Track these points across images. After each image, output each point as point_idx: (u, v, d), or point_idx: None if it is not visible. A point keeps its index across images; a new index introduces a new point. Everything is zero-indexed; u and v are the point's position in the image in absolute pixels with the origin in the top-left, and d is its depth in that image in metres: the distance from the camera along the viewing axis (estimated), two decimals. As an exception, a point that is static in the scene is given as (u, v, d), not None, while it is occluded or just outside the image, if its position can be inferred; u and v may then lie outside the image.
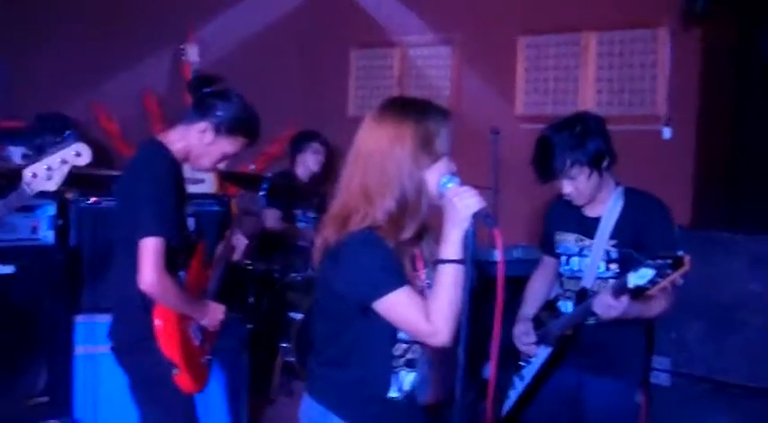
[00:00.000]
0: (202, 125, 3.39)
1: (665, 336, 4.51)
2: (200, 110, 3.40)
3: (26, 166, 3.15)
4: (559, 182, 3.36)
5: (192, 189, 6.11)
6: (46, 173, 3.10)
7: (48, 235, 4.34)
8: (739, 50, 5.04)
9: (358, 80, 7.55)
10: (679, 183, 5.38)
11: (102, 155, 6.05)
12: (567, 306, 3.55)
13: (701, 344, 4.43)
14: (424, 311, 2.41)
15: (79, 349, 4.40)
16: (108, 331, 3.49)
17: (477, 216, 2.36)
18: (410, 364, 2.57)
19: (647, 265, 2.99)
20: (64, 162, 3.13)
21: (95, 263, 4.38)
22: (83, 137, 5.96)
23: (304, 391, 2.66)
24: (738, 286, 4.31)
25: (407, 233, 2.47)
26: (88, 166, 5.11)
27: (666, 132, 5.61)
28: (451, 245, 2.40)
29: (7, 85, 6.83)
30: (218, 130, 3.41)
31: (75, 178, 4.99)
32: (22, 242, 4.25)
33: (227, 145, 3.46)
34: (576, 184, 3.34)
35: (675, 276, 2.95)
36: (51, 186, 3.14)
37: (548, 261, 3.74)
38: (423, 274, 2.57)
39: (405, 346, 2.54)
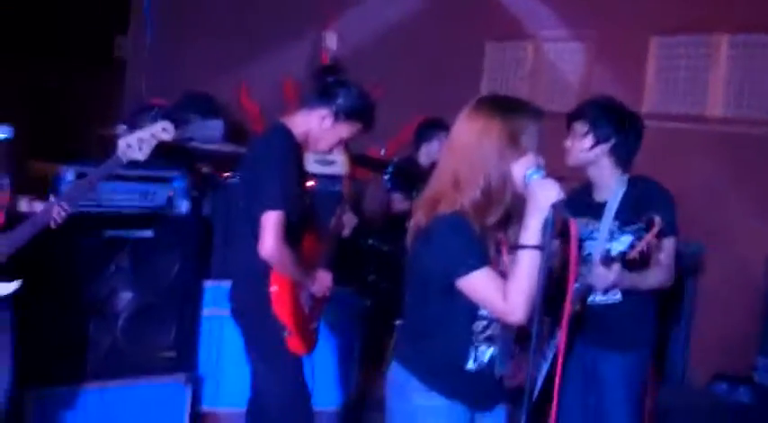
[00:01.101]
0: (323, 111, 3.65)
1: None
2: (322, 97, 3.66)
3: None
4: (569, 135, 3.69)
5: (323, 170, 6.51)
6: (137, 144, 3.54)
7: (183, 205, 4.58)
8: None
9: (491, 72, 7.68)
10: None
11: (241, 134, 6.42)
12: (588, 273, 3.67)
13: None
14: (503, 291, 2.59)
15: (206, 311, 4.69)
16: (228, 294, 3.81)
17: (555, 206, 2.52)
18: (490, 340, 2.74)
19: (624, 232, 3.35)
20: (152, 136, 3.57)
21: (225, 233, 4.67)
22: (225, 116, 6.40)
23: (392, 356, 2.89)
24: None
25: (491, 219, 2.65)
26: (223, 143, 5.50)
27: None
28: (531, 231, 2.56)
29: (158, 63, 7.27)
30: (336, 117, 3.66)
31: (214, 154, 5.38)
32: (159, 209, 4.50)
33: (344, 130, 3.71)
34: (574, 143, 3.66)
35: (649, 237, 3.26)
36: (141, 156, 3.56)
37: None
38: (506, 258, 2.74)
39: (485, 322, 2.72)
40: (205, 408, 4.78)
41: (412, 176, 5.98)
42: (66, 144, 3.84)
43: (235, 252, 3.86)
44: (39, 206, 3.63)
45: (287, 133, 3.65)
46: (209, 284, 4.73)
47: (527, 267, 2.56)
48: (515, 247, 2.62)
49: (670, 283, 3.64)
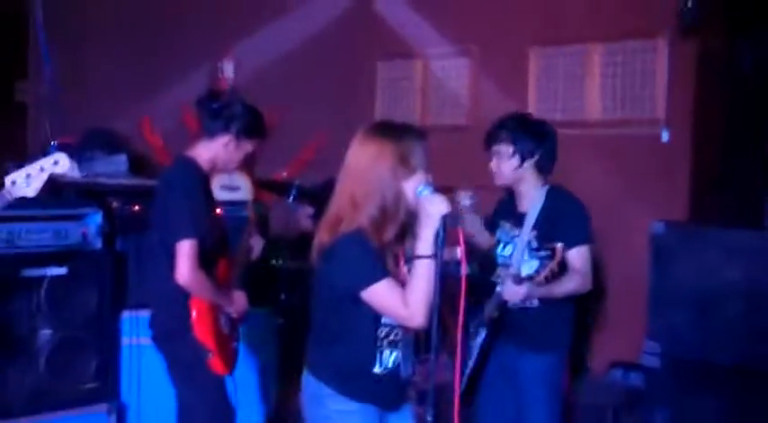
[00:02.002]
0: (225, 138, 3.86)
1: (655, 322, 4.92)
2: (218, 124, 3.86)
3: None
4: (492, 157, 3.91)
5: (228, 196, 6.70)
6: (25, 180, 3.28)
7: (96, 240, 4.75)
8: (729, 58, 5.39)
9: (384, 90, 7.99)
10: (676, 181, 5.75)
11: (145, 166, 6.55)
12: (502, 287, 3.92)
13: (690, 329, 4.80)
14: (403, 299, 2.86)
15: (125, 340, 4.85)
16: (148, 322, 3.99)
17: (444, 218, 2.81)
18: (392, 345, 3.00)
19: (532, 257, 3.66)
20: (42, 170, 3.31)
21: (138, 265, 4.83)
22: (128, 150, 6.53)
23: (304, 367, 3.13)
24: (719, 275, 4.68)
25: (388, 235, 2.92)
26: (128, 176, 5.60)
27: (665, 135, 5.96)
28: (425, 242, 2.84)
29: (59, 103, 7.35)
30: (238, 138, 3.88)
31: (120, 188, 5.51)
32: (73, 247, 4.67)
33: (248, 147, 3.94)
34: (499, 164, 3.89)
35: (552, 265, 3.59)
36: (30, 193, 3.31)
37: None
38: (404, 269, 3.02)
39: (387, 329, 2.98)
40: (130, 435, 4.93)
41: (315, 197, 6.20)
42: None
43: (151, 282, 4.01)
44: None
45: (192, 164, 3.85)
46: (126, 315, 4.89)
47: (423, 275, 2.84)
48: (412, 258, 2.89)
49: (587, 288, 3.87)
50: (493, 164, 3.92)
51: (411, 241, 2.97)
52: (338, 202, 2.97)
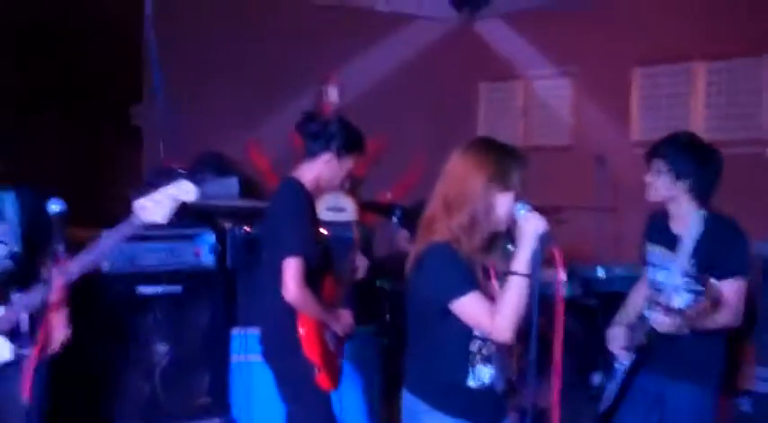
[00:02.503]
0: (326, 156, 4.00)
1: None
2: (319, 143, 4.00)
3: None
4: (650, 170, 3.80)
5: (334, 217, 6.85)
6: (154, 206, 3.28)
7: (208, 259, 4.95)
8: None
9: (486, 112, 8.06)
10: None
11: (255, 189, 6.77)
12: (649, 315, 3.78)
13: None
14: (490, 312, 2.92)
15: (235, 358, 4.99)
16: (258, 339, 4.13)
17: (541, 237, 2.87)
18: (486, 360, 3.06)
19: (688, 291, 3.49)
20: (171, 197, 3.31)
21: (249, 283, 5.01)
22: (239, 173, 6.76)
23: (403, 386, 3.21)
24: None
25: (474, 243, 2.97)
26: (239, 199, 5.78)
27: (770, 153, 5.88)
28: (520, 260, 2.90)
29: (172, 127, 7.65)
30: (339, 155, 4.01)
31: (232, 209, 5.71)
32: (187, 266, 4.88)
33: (349, 164, 4.06)
34: (654, 179, 3.76)
35: (706, 303, 3.41)
36: (159, 218, 3.29)
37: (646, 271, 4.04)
38: (495, 282, 3.09)
39: (479, 342, 3.04)
40: (240, 449, 5.09)
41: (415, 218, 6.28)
42: (93, 207, 4.10)
43: (261, 301, 4.15)
44: None
45: (298, 186, 3.99)
46: (236, 332, 5.03)
47: (515, 291, 2.90)
48: (506, 273, 2.96)
49: (737, 323, 3.70)
50: (648, 177, 3.82)
51: (500, 256, 3.06)
52: (433, 205, 3.06)
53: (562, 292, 2.88)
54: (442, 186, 3.06)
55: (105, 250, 3.54)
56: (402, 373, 3.20)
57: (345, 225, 5.49)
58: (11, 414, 3.65)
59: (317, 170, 4.02)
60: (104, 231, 3.48)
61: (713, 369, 3.87)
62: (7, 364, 3.57)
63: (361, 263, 4.44)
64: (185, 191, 3.37)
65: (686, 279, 3.74)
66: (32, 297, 3.47)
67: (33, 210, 3.53)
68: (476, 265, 3.03)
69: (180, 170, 6.31)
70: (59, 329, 3.71)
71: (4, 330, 3.55)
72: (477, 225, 2.98)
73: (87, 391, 4.20)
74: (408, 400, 3.14)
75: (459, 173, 3.02)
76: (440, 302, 2.98)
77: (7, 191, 3.55)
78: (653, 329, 3.66)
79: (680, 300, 3.51)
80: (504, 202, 2.97)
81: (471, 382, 3.05)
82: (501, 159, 3.00)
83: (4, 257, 3.62)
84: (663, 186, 3.78)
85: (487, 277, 3.10)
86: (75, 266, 3.42)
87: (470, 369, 3.05)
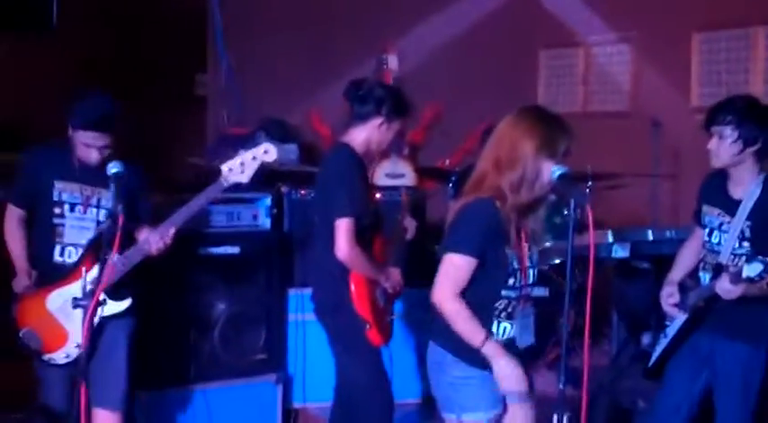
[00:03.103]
0: (376, 120, 4.11)
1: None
2: (369, 108, 4.11)
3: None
4: (711, 136, 3.77)
5: (393, 182, 6.98)
6: (239, 167, 3.78)
7: (266, 222, 5.07)
8: None
9: (546, 78, 8.07)
10: None
11: (314, 154, 6.91)
12: (705, 277, 3.90)
13: None
14: (456, 287, 3.09)
15: (291, 316, 5.18)
16: (311, 297, 4.28)
17: (576, 199, 3.00)
18: (509, 317, 3.20)
19: (759, 261, 3.46)
20: (254, 158, 3.80)
21: (304, 245, 5.14)
22: (299, 139, 6.90)
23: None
24: None
25: (522, 199, 3.11)
26: (299, 164, 5.93)
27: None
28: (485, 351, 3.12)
29: (237, 97, 7.84)
30: (389, 119, 4.13)
31: (290, 174, 5.86)
32: (245, 228, 5.00)
33: (397, 126, 4.20)
34: (720, 144, 3.75)
35: None
36: (244, 179, 3.80)
37: (698, 232, 4.07)
38: (525, 247, 3.21)
39: (506, 302, 3.19)
40: (295, 404, 5.26)
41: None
42: (159, 174, 4.27)
43: (314, 260, 4.31)
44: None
45: (349, 150, 4.12)
46: (292, 292, 5.22)
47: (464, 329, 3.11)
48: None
49: None
50: (712, 144, 3.78)
51: (534, 221, 3.23)
52: (483, 164, 3.21)
53: (592, 257, 2.99)
54: (494, 146, 3.20)
55: (196, 210, 3.92)
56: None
57: (396, 189, 5.61)
58: (108, 366, 3.97)
59: (366, 134, 4.14)
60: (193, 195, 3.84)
61: (763, 331, 3.88)
62: (106, 319, 3.85)
63: (410, 224, 4.55)
64: (267, 152, 3.82)
65: (743, 242, 3.78)
66: (131, 257, 3.82)
67: (129, 180, 3.75)
68: (511, 225, 3.14)
69: (240, 136, 6.51)
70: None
71: (105, 287, 3.80)
72: (524, 185, 3.11)
73: (148, 348, 4.35)
74: (435, 351, 3.30)
75: (512, 135, 3.15)
76: (444, 247, 3.15)
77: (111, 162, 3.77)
78: (714, 294, 3.70)
79: (750, 270, 3.48)
80: (549, 170, 3.11)
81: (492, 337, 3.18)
82: (550, 128, 3.16)
83: (105, 220, 3.87)
84: (727, 152, 3.77)
85: (520, 238, 3.22)
86: (169, 226, 3.82)
87: (495, 325, 3.19)
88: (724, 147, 3.76)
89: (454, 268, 3.12)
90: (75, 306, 3.69)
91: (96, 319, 3.70)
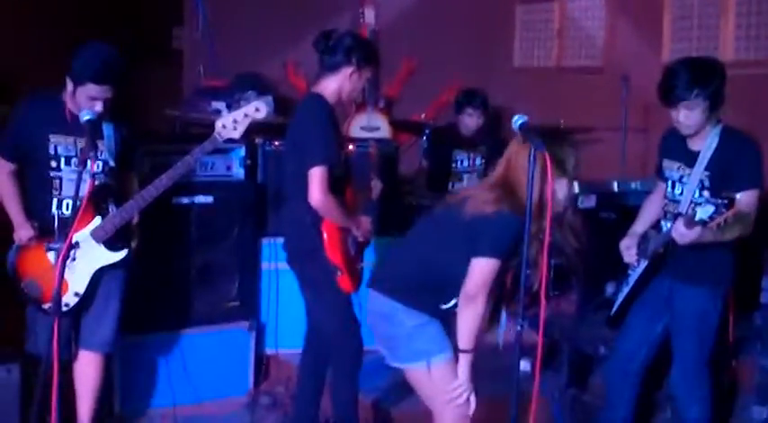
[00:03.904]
0: (347, 70, 4.16)
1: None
2: (338, 57, 4.15)
3: (218, 118, 4.06)
4: (677, 110, 3.81)
5: (368, 135, 7.02)
6: (233, 124, 3.99)
7: (239, 172, 5.16)
8: None
9: (522, 32, 8.11)
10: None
11: (289, 107, 6.95)
12: (666, 226, 4.03)
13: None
14: (485, 288, 3.34)
15: (264, 265, 5.28)
16: (283, 245, 4.36)
17: (534, 146, 3.11)
18: None
19: (710, 202, 3.60)
20: (246, 116, 4.01)
21: (278, 195, 5.20)
22: (274, 92, 6.94)
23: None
24: None
25: (544, 223, 3.21)
26: (273, 115, 5.98)
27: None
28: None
29: (212, 50, 7.85)
30: (359, 67, 4.18)
31: (264, 126, 5.92)
32: (218, 178, 5.09)
33: (368, 74, 4.25)
34: (690, 115, 3.80)
35: (728, 215, 3.51)
36: (236, 135, 4.03)
37: (661, 186, 4.18)
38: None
39: None
40: (267, 350, 5.39)
41: (449, 139, 6.41)
42: (137, 126, 4.31)
43: (287, 209, 4.37)
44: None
45: (321, 100, 4.17)
46: (265, 242, 5.31)
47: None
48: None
49: (749, 231, 3.77)
50: (682, 116, 3.82)
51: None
52: (497, 188, 3.39)
53: (550, 197, 3.12)
54: (507, 173, 3.39)
55: (191, 164, 4.09)
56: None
57: (367, 142, 5.68)
58: (102, 314, 4.15)
59: (338, 83, 4.19)
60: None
61: (721, 276, 4.03)
62: (103, 269, 4.04)
63: (376, 185, 4.65)
64: (258, 109, 4.03)
65: (703, 191, 3.89)
66: (127, 210, 3.97)
67: (123, 133, 4.00)
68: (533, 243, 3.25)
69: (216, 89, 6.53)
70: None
71: (101, 239, 3.90)
72: (542, 208, 3.23)
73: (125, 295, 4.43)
74: (383, 303, 3.49)
75: (521, 161, 3.27)
76: (473, 250, 3.34)
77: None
78: (671, 240, 3.79)
79: (702, 212, 3.57)
80: (562, 187, 3.32)
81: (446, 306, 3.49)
82: (557, 149, 3.28)
83: (101, 172, 3.99)
84: (698, 120, 3.83)
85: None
86: (166, 179, 3.96)
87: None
88: (694, 117, 3.81)
89: (482, 270, 3.32)
90: (48, 249, 3.79)
91: (92, 268, 3.96)
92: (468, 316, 3.35)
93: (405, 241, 3.72)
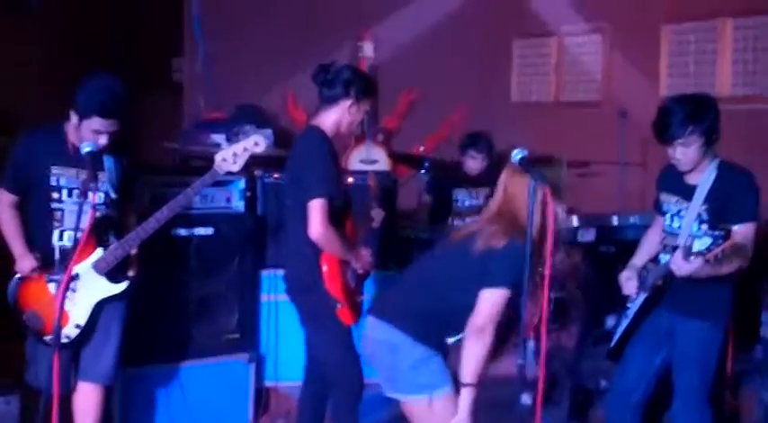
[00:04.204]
0: (346, 102, 4.19)
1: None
2: (338, 90, 4.18)
3: (217, 151, 4.10)
4: (673, 147, 3.85)
5: (366, 167, 7.04)
6: (232, 158, 4.04)
7: (239, 204, 5.15)
8: None
9: (519, 68, 8.17)
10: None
11: (289, 139, 6.97)
12: (665, 259, 4.02)
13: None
14: (492, 320, 3.37)
15: (264, 297, 5.27)
16: (283, 277, 4.36)
17: (535, 180, 3.18)
18: None
19: (708, 235, 3.59)
20: (245, 150, 4.06)
21: (277, 227, 5.20)
22: (274, 124, 6.97)
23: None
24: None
25: (548, 248, 3.29)
26: (273, 148, 6.02)
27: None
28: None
29: (212, 81, 7.90)
30: (358, 100, 4.21)
31: (264, 158, 5.94)
32: (218, 210, 5.08)
33: (367, 107, 4.28)
34: (687, 152, 3.84)
35: (725, 246, 3.53)
36: (236, 168, 4.07)
37: (659, 220, 4.21)
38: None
39: None
40: (267, 383, 5.36)
41: (448, 173, 6.42)
42: (136, 158, 4.33)
43: (287, 242, 4.37)
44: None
45: (320, 132, 4.19)
46: (265, 274, 5.30)
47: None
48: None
49: (745, 265, 3.80)
50: (678, 153, 3.86)
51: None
52: (500, 218, 3.45)
53: (553, 225, 3.14)
54: (506, 205, 3.47)
55: (191, 197, 4.15)
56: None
57: (365, 174, 5.70)
58: (102, 345, 4.14)
59: (336, 116, 4.22)
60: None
61: (721, 309, 4.04)
62: (104, 301, 4.05)
63: (377, 214, 4.65)
64: (257, 144, 4.11)
65: (701, 225, 3.91)
66: (129, 242, 3.99)
67: (124, 165, 4.04)
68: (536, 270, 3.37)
69: (216, 121, 6.55)
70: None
71: (102, 270, 3.90)
72: (544, 234, 3.32)
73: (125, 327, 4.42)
74: (391, 333, 3.51)
75: (518, 192, 3.40)
76: (486, 280, 3.38)
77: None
78: (670, 272, 3.81)
79: (700, 244, 3.59)
80: (561, 209, 3.40)
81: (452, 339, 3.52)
82: (553, 176, 3.36)
83: (102, 203, 4.00)
84: (695, 156, 3.86)
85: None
86: (167, 211, 4.00)
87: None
88: (691, 153, 3.85)
89: (491, 302, 3.36)
90: (49, 281, 3.79)
91: (94, 300, 3.97)
92: (475, 349, 3.35)
93: (412, 275, 3.76)
